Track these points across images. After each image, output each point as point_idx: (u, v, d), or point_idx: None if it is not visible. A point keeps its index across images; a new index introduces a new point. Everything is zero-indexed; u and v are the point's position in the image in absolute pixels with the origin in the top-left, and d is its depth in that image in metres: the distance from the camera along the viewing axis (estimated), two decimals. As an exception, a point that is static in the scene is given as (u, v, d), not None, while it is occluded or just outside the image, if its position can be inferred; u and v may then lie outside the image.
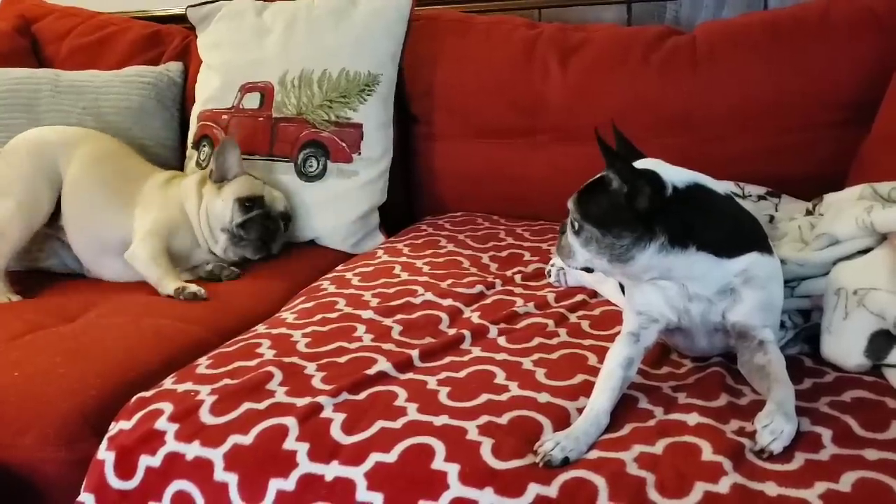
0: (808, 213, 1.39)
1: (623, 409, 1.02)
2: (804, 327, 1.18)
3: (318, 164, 1.86)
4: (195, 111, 2.03)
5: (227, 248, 1.73)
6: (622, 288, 1.21)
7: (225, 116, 1.96)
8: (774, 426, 0.91)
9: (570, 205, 1.05)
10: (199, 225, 1.73)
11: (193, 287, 1.56)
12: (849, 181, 1.51)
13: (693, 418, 0.98)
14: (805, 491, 0.84)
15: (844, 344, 1.09)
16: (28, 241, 1.72)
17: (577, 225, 1.04)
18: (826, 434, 0.94)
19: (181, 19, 2.23)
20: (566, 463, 0.91)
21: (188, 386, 1.13)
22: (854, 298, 1.09)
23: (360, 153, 1.87)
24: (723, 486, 0.86)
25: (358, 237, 1.87)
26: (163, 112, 2.05)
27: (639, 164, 1.32)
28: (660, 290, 1.06)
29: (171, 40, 2.23)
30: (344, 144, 1.86)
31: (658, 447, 0.93)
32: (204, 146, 1.97)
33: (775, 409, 0.94)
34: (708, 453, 0.91)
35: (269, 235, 1.75)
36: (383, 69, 1.89)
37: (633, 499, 0.86)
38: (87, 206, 1.72)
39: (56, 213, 1.74)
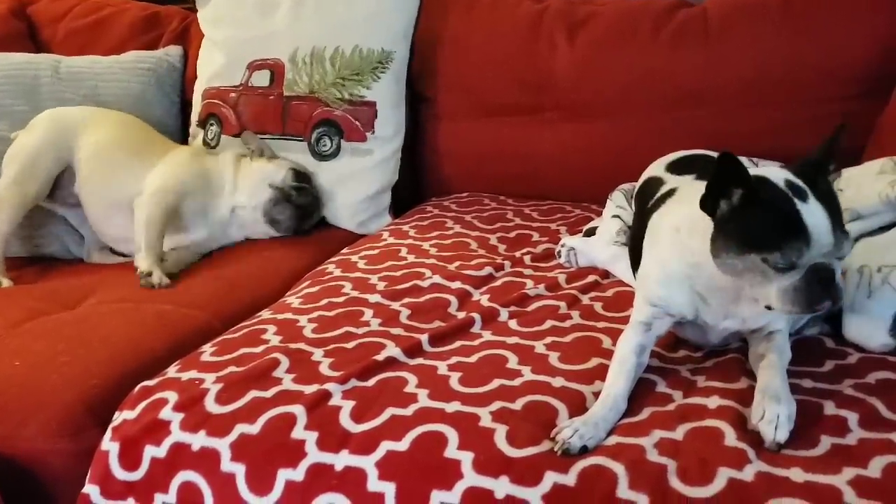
0: (826, 188, 1.35)
1: (641, 393, 0.99)
2: (825, 306, 1.15)
3: (332, 143, 1.83)
4: (198, 88, 1.99)
5: (261, 206, 1.72)
6: (634, 270, 1.18)
7: (233, 94, 1.92)
8: (768, 414, 0.88)
9: (848, 239, 0.91)
10: (232, 177, 1.73)
11: (156, 278, 1.52)
12: (865, 155, 1.48)
13: (714, 401, 0.96)
14: (833, 477, 0.82)
15: (868, 323, 1.06)
16: (28, 217, 1.72)
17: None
18: (852, 417, 0.91)
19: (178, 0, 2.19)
20: (585, 451, 0.89)
21: (193, 374, 1.11)
22: (878, 276, 1.06)
23: (373, 132, 1.83)
24: (747, 474, 0.83)
25: (367, 216, 1.84)
26: (162, 99, 2.02)
27: (680, 155, 1.29)
28: (690, 292, 1.01)
29: (170, 22, 2.19)
30: (358, 123, 1.83)
31: (679, 433, 0.90)
32: (212, 124, 1.94)
33: (761, 397, 0.91)
34: (731, 438, 0.88)
35: (311, 210, 1.78)
36: (396, 46, 1.85)
37: (654, 487, 0.83)
38: (108, 163, 1.73)
39: (61, 191, 1.74)
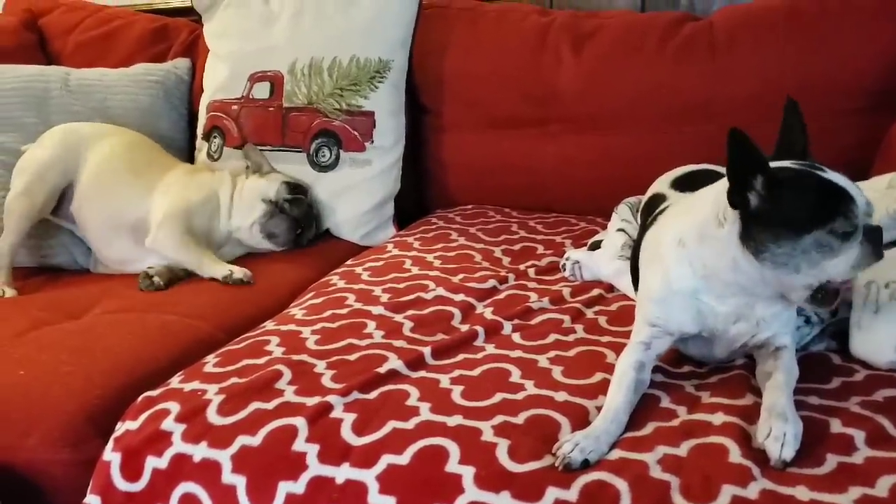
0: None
1: (645, 408, 0.98)
2: (831, 322, 1.14)
3: (331, 153, 1.84)
4: (204, 101, 2.00)
5: (257, 221, 1.72)
6: (635, 286, 1.17)
7: (235, 107, 1.93)
8: (775, 432, 0.87)
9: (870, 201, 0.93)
10: (228, 200, 1.74)
11: (239, 273, 1.57)
12: (873, 170, 1.47)
13: (718, 418, 0.95)
14: (839, 496, 0.81)
15: (876, 340, 1.05)
16: (36, 228, 1.73)
17: None
18: (859, 436, 0.90)
19: (187, 12, 2.20)
20: (586, 465, 0.88)
21: (195, 385, 1.10)
22: (885, 292, 1.05)
23: (372, 142, 1.84)
24: (751, 492, 0.82)
25: (370, 227, 1.84)
26: (171, 112, 2.04)
27: (686, 170, 1.28)
28: (694, 305, 1.00)
29: (179, 34, 2.20)
30: (356, 133, 1.83)
31: (683, 449, 0.89)
32: (215, 137, 1.95)
33: (767, 415, 0.90)
34: (735, 455, 0.87)
35: (307, 221, 1.78)
36: (394, 55, 1.86)
37: (656, 504, 0.82)
38: (108, 185, 1.74)
39: (64, 207, 1.75)
